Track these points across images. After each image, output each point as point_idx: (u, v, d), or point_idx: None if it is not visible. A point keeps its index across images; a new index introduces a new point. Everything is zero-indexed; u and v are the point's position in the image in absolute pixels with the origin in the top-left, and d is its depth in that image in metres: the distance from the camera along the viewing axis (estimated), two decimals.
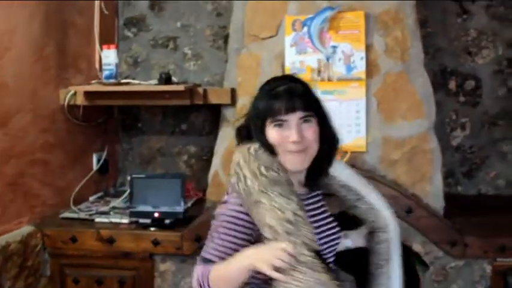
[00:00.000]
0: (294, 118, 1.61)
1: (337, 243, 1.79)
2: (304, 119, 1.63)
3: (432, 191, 2.75)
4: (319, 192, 1.83)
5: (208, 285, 1.55)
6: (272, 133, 1.63)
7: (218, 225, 1.62)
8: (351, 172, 1.94)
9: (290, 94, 1.62)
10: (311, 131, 1.63)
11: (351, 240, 1.96)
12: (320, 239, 1.67)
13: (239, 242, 1.58)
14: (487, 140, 3.36)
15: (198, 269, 1.60)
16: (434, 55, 3.28)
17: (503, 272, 2.58)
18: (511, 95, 3.32)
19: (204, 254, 1.62)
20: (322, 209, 1.80)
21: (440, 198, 2.76)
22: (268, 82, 1.72)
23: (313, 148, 1.65)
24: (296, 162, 1.64)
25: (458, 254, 2.60)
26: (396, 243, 1.88)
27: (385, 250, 1.87)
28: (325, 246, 1.72)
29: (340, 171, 1.87)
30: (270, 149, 1.64)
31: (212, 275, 1.56)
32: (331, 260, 1.76)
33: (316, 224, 1.69)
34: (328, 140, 1.71)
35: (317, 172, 1.74)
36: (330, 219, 1.80)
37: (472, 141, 3.36)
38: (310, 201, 1.76)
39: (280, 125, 1.62)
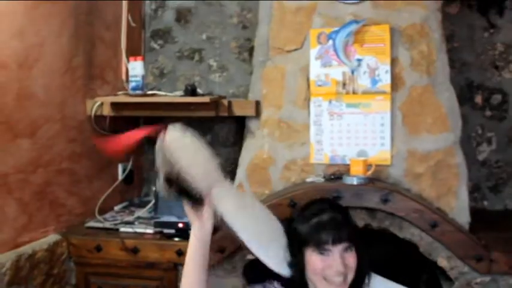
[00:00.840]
0: (338, 249, 1.67)
1: None
2: (346, 248, 1.68)
3: (458, 206, 2.72)
4: None
5: None
6: (315, 261, 1.67)
7: None
8: None
9: (336, 225, 1.68)
10: (352, 259, 1.68)
11: None
12: None
13: None
14: None
15: None
16: (461, 69, 3.26)
17: None
18: None
19: None
20: None
21: (466, 212, 2.73)
22: (308, 207, 1.78)
23: (352, 275, 1.69)
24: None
25: (484, 270, 2.56)
26: None
27: None
28: None
29: None
30: (301, 274, 1.71)
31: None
32: None
33: None
34: (363, 264, 1.74)
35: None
36: None
37: (498, 155, 3.34)
38: None
39: (323, 254, 1.67)
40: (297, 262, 1.72)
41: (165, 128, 1.67)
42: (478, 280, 2.59)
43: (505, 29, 3.29)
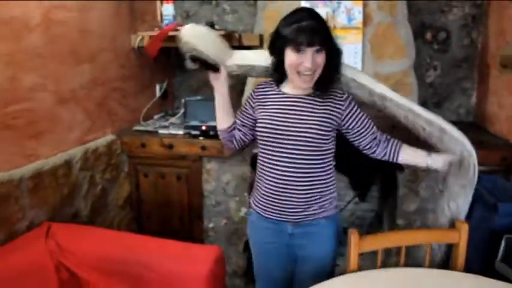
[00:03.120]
0: (310, 50, 1.62)
1: (299, 134, 1.73)
2: (317, 50, 1.63)
3: None
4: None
5: None
6: (291, 56, 1.65)
7: None
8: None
9: (312, 31, 1.61)
10: (320, 59, 1.66)
11: (431, 159, 1.86)
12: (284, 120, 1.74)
13: None
14: (452, 79, 3.31)
15: None
16: (416, 13, 3.17)
17: None
18: (473, 44, 3.24)
19: None
20: (309, 106, 1.76)
21: None
22: (293, 13, 1.68)
23: (319, 72, 1.68)
24: (304, 83, 1.69)
25: None
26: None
27: (472, 174, 1.87)
28: (284, 128, 1.74)
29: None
30: (281, 69, 1.71)
31: None
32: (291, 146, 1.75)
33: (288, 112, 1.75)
34: (334, 63, 1.73)
35: (324, 83, 1.74)
36: (308, 115, 1.75)
37: (441, 79, 3.31)
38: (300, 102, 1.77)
39: (298, 52, 1.63)
40: (278, 59, 1.70)
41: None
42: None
43: None
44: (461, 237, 1.82)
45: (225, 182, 2.79)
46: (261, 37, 2.87)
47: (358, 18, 2.69)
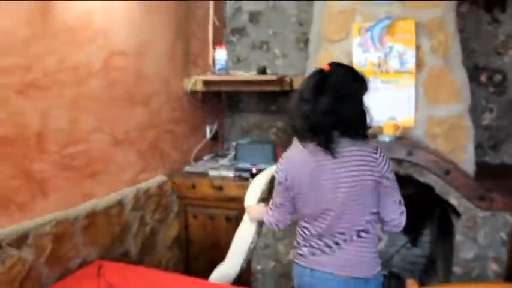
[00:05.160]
0: None
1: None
2: None
3: (465, 158, 2.64)
4: None
5: None
6: None
7: None
8: None
9: None
10: None
11: None
12: None
13: None
14: (509, 121, 3.20)
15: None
16: (469, 55, 3.11)
17: None
18: None
19: None
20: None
21: (471, 163, 2.65)
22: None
23: None
24: None
25: (485, 207, 2.49)
26: None
27: None
28: None
29: None
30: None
31: None
32: None
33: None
34: None
35: None
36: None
37: (497, 122, 3.21)
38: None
39: None
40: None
41: None
42: (481, 215, 2.52)
43: (506, 23, 3.13)
44: None
45: None
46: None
47: (411, 62, 2.66)
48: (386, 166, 1.65)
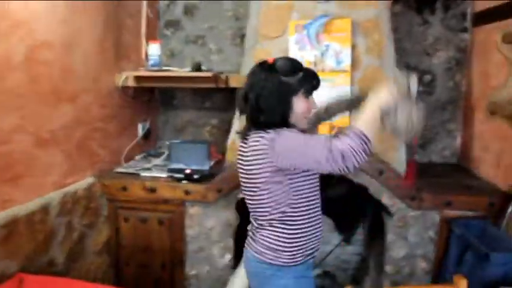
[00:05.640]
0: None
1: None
2: None
3: (397, 158, 2.70)
4: None
5: (367, 139, 1.48)
6: (302, 103, 1.64)
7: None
8: None
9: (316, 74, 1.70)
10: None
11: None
12: None
13: None
14: (437, 121, 3.31)
15: (346, 142, 1.44)
16: (401, 55, 3.19)
17: (448, 220, 2.56)
18: (457, 87, 3.26)
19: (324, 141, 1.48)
20: None
21: (403, 163, 2.71)
22: (289, 63, 1.65)
23: None
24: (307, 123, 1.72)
25: (416, 206, 2.56)
26: None
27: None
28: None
29: None
30: (285, 119, 1.63)
31: (363, 130, 1.48)
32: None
33: None
34: None
35: None
36: None
37: (426, 121, 3.30)
38: None
39: (308, 98, 1.65)
40: (284, 109, 1.61)
41: None
42: (411, 214, 2.59)
43: (435, 25, 3.23)
44: None
45: (209, 227, 2.69)
46: None
47: (347, 61, 2.67)
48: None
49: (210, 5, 3.37)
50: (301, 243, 1.69)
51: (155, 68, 2.84)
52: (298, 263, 1.70)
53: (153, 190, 2.64)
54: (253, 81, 1.65)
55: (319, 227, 1.75)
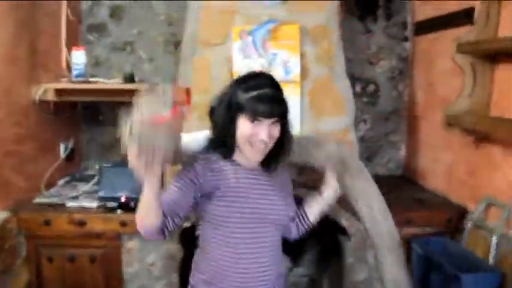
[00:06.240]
0: (268, 121, 1.40)
1: (273, 214, 1.53)
2: (274, 122, 1.42)
3: None
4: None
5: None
6: (245, 126, 1.41)
7: None
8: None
9: (272, 101, 1.39)
10: (276, 131, 1.44)
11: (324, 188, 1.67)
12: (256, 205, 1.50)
13: None
14: (382, 132, 3.21)
15: None
16: (346, 64, 3.04)
17: (408, 239, 2.42)
18: (400, 97, 3.19)
19: None
20: (270, 183, 1.55)
21: None
22: (250, 77, 1.45)
23: (271, 144, 1.46)
24: (257, 155, 1.46)
25: None
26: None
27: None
28: (257, 211, 1.50)
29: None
30: (231, 137, 1.45)
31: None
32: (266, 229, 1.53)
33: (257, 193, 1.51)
34: (286, 137, 1.50)
35: (273, 160, 1.51)
36: (274, 192, 1.55)
37: (371, 133, 3.21)
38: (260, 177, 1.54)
39: (253, 122, 1.40)
40: (230, 125, 1.44)
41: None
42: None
43: (377, 34, 3.13)
44: None
45: (150, 263, 2.35)
46: (187, 91, 2.53)
47: (296, 70, 2.47)
48: None
49: (139, 8, 3.02)
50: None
51: (80, 79, 2.44)
52: None
53: (82, 223, 2.25)
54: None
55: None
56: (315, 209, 1.67)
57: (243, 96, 1.41)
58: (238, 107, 1.41)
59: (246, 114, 1.40)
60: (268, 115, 1.38)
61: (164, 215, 1.43)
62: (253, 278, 1.52)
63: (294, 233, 1.70)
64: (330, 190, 1.65)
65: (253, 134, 1.40)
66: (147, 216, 1.41)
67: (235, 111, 1.42)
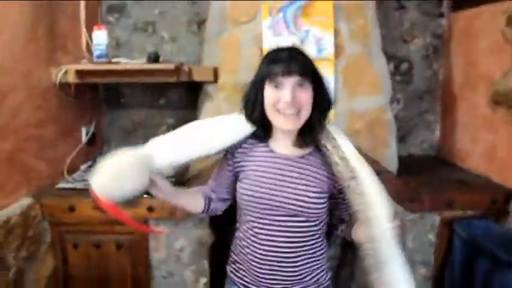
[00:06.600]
0: (289, 81, 1.34)
1: (296, 204, 1.40)
2: (300, 84, 1.35)
3: (389, 155, 2.43)
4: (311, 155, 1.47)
5: None
6: (269, 93, 1.37)
7: None
8: (353, 148, 1.42)
9: (289, 59, 1.34)
10: (303, 95, 1.35)
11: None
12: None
13: None
14: (416, 112, 3.05)
15: None
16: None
17: (449, 221, 2.31)
18: (435, 76, 3.02)
19: None
20: (303, 173, 1.44)
21: (395, 161, 2.45)
22: (272, 49, 1.42)
23: (306, 111, 1.37)
24: (287, 123, 1.37)
25: (416, 209, 2.27)
26: (386, 244, 1.27)
27: (371, 251, 1.29)
28: (278, 199, 1.41)
29: (345, 143, 1.43)
30: (262, 111, 1.40)
31: None
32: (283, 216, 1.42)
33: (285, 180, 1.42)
34: (321, 104, 1.41)
35: (308, 133, 1.41)
36: (305, 182, 1.42)
37: (404, 113, 3.06)
38: (293, 165, 1.45)
39: (277, 87, 1.35)
40: (257, 98, 1.40)
41: None
42: (409, 218, 2.30)
43: (411, 10, 2.96)
44: None
45: (179, 248, 2.24)
46: (215, 70, 2.41)
47: (329, 48, 2.33)
48: None
49: None
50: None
51: (102, 60, 2.33)
52: None
53: None
54: None
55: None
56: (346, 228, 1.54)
57: (263, 63, 1.40)
58: (261, 77, 1.38)
59: (267, 81, 1.36)
60: (285, 73, 1.32)
61: (211, 196, 1.59)
62: (271, 270, 1.45)
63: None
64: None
65: (278, 100, 1.35)
66: (183, 208, 1.58)
67: (260, 83, 1.39)
